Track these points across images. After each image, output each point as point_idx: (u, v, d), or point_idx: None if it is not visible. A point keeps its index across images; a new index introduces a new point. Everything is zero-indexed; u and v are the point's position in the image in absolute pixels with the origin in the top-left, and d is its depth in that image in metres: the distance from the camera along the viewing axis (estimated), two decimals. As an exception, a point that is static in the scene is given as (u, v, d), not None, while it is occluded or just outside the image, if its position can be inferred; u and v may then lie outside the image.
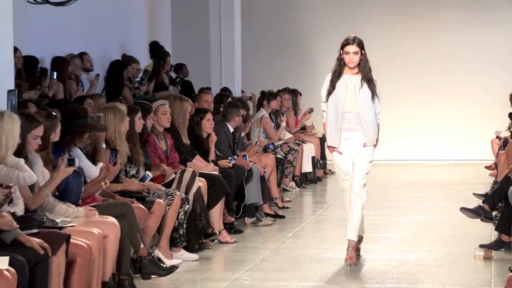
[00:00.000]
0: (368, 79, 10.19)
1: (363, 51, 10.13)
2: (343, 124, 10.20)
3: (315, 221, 14.05)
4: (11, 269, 6.61)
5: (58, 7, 5.02)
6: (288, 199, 15.39)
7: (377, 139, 10.45)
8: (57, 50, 14.23)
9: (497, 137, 16.68)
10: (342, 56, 10.12)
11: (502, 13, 20.85)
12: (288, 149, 16.57)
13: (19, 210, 7.78)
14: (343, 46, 10.12)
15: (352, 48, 10.06)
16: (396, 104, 21.16)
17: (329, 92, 10.21)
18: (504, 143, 15.50)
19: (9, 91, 9.24)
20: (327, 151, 18.92)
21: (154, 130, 11.38)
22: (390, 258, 10.90)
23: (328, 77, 10.37)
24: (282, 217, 13.77)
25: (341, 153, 10.27)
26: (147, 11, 19.62)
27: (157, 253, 10.06)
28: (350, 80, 10.18)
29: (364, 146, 10.28)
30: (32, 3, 5.63)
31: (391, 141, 21.21)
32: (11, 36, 9.65)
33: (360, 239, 10.74)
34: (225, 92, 16.50)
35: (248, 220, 13.18)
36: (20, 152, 8.07)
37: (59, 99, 12.01)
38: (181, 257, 10.54)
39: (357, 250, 10.57)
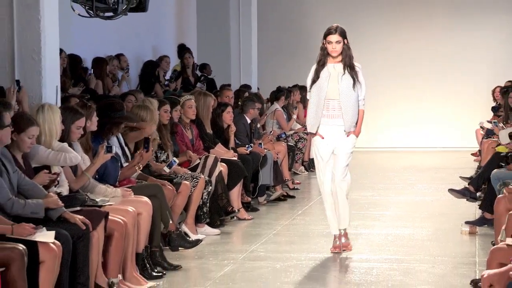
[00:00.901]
0: (350, 67, 9.35)
1: (345, 40, 9.30)
2: (327, 111, 9.34)
3: (321, 201, 14.01)
4: (57, 242, 6.65)
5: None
6: (298, 181, 15.41)
7: (359, 126, 9.51)
8: (98, 51, 14.29)
9: (481, 127, 16.62)
10: (325, 45, 9.30)
11: (487, 18, 20.75)
12: (298, 138, 16.60)
13: (64, 190, 7.84)
14: (325, 36, 9.30)
15: (334, 38, 9.23)
16: (393, 99, 21.14)
17: (313, 81, 9.41)
18: (487, 132, 15.48)
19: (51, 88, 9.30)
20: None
21: (181, 122, 11.41)
22: (387, 233, 10.91)
23: (313, 68, 9.55)
24: (293, 197, 13.79)
25: (322, 137, 9.36)
26: (175, 17, 19.63)
27: (184, 228, 10.10)
28: (334, 68, 9.34)
29: (347, 135, 9.40)
30: (82, 16, 5.61)
31: (388, 131, 21.23)
32: (57, 39, 9.68)
33: (345, 235, 9.59)
34: (243, 88, 16.54)
35: (260, 199, 13.21)
36: (64, 140, 8.13)
37: (99, 94, 12.03)
38: (205, 232, 10.57)
39: (340, 246, 9.50)
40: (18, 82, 8.97)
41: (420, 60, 21.05)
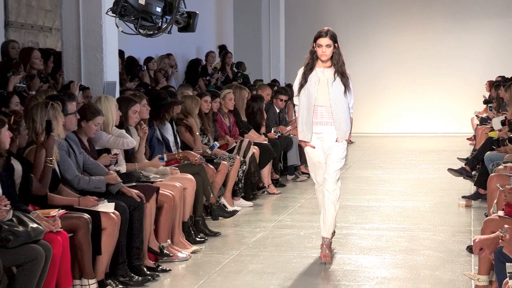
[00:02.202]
0: (341, 73, 7.61)
1: (336, 44, 7.59)
2: (315, 118, 7.66)
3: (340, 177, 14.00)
4: (116, 212, 6.68)
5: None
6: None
7: (350, 133, 7.93)
8: (151, 51, 14.32)
9: (476, 116, 16.57)
10: (315, 49, 7.59)
11: (479, 22, 20.60)
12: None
13: (122, 169, 7.87)
14: (315, 39, 7.61)
15: (324, 41, 7.52)
16: (399, 91, 21.03)
17: (301, 86, 7.69)
18: (481, 120, 15.45)
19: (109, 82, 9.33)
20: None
21: (220, 111, 11.42)
22: (395, 206, 10.85)
23: (301, 71, 7.85)
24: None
25: (314, 147, 7.78)
26: (216, 22, 19.61)
27: (223, 201, 10.10)
28: (323, 73, 7.63)
29: (336, 141, 7.74)
30: (125, 32, 5.58)
31: (395, 118, 21.14)
32: (116, 42, 9.71)
33: (328, 245, 7.88)
34: (273, 83, 16.53)
35: (289, 177, 13.19)
36: (123, 126, 8.17)
37: (151, 87, 12.06)
38: (240, 204, 10.57)
39: (328, 255, 7.77)
40: (81, 85, 9.12)
41: (423, 58, 20.92)
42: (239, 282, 7.00)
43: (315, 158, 7.84)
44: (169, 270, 7.42)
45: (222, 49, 17.24)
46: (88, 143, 7.48)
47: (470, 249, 7.93)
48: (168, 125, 9.57)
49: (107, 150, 7.76)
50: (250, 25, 19.24)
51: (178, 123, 10.00)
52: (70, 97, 7.46)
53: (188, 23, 5.54)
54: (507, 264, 4.74)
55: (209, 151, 10.25)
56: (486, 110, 15.89)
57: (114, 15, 5.59)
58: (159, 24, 5.78)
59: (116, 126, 8.05)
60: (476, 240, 5.58)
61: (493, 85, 16.02)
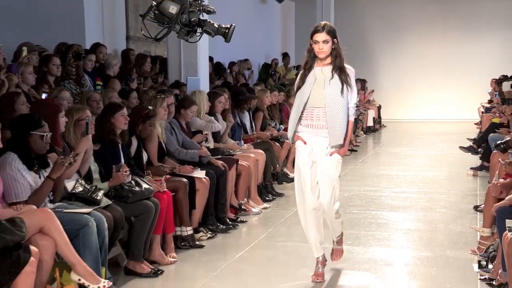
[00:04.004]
0: (340, 69, 5.29)
1: (335, 39, 5.32)
2: (311, 120, 5.28)
3: (375, 153, 13.89)
4: (206, 177, 6.73)
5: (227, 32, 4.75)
6: (359, 141, 15.17)
7: (347, 142, 5.32)
8: (233, 57, 14.36)
9: (482, 106, 16.30)
10: (312, 46, 5.38)
11: (486, 33, 20.08)
12: (359, 112, 16.33)
13: (211, 145, 7.93)
14: (312, 35, 5.38)
15: (321, 37, 5.28)
16: (422, 87, 20.66)
17: (298, 88, 5.40)
18: (486, 109, 15.20)
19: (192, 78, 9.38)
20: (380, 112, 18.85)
21: (287, 102, 11.35)
22: (417, 175, 10.68)
23: (301, 71, 5.55)
24: (355, 151, 13.59)
25: (305, 142, 5.29)
26: (281, 32, 19.60)
27: (285, 170, 10.08)
28: (322, 72, 5.32)
29: (330, 154, 5.26)
30: (145, 36, 5.19)
31: (419, 108, 20.80)
32: (207, 49, 9.76)
33: (341, 236, 5.74)
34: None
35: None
36: (212, 113, 8.23)
37: (233, 85, 12.12)
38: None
39: (323, 274, 5.47)
40: (180, 82, 9.25)
41: (441, 61, 20.46)
42: (299, 231, 6.99)
43: (304, 160, 5.28)
44: (246, 221, 7.48)
45: (285, 55, 17.18)
46: (186, 126, 7.56)
47: (476, 208, 7.84)
48: (246, 113, 9.59)
49: (200, 132, 7.84)
50: (307, 37, 19.06)
51: (254, 112, 10.02)
52: (169, 92, 7.59)
53: (225, 34, 5.21)
54: (506, 220, 4.69)
55: (276, 132, 10.22)
56: (491, 102, 15.67)
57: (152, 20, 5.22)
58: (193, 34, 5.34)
59: (207, 114, 8.12)
60: (498, 184, 5.56)
61: (496, 82, 15.71)
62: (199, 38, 5.46)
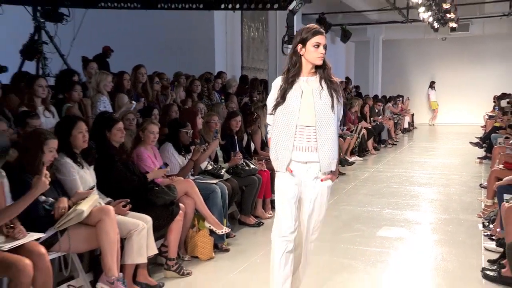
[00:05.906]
0: (330, 80, 2.90)
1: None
2: (301, 142, 2.86)
3: (409, 146, 13.38)
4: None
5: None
6: (398, 138, 14.46)
7: (337, 164, 2.93)
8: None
9: (487, 114, 15.38)
10: (304, 49, 2.86)
11: (488, 61, 18.80)
12: (398, 118, 15.73)
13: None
14: (311, 36, 2.85)
15: (324, 40, 2.88)
16: (443, 100, 19.63)
17: (278, 103, 2.91)
18: (489, 117, 14.33)
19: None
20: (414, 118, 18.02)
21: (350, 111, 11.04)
22: (438, 161, 10.18)
23: (277, 83, 2.97)
24: (395, 144, 13.12)
25: (291, 171, 2.89)
26: (345, 63, 19.17)
27: (346, 156, 9.87)
28: (307, 83, 2.90)
29: (321, 179, 2.90)
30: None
31: (441, 115, 19.81)
32: (239, 59, 9.73)
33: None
34: (375, 96, 15.57)
35: (381, 146, 12.54)
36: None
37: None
38: (355, 159, 10.19)
39: None
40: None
41: (458, 83, 19.34)
42: (360, 197, 6.88)
43: (290, 193, 2.93)
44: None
45: (347, 79, 16.76)
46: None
47: (481, 185, 7.45)
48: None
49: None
50: (365, 66, 18.52)
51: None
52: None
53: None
54: (504, 194, 4.50)
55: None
56: (493, 112, 14.74)
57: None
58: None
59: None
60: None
61: (497, 98, 14.83)
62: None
